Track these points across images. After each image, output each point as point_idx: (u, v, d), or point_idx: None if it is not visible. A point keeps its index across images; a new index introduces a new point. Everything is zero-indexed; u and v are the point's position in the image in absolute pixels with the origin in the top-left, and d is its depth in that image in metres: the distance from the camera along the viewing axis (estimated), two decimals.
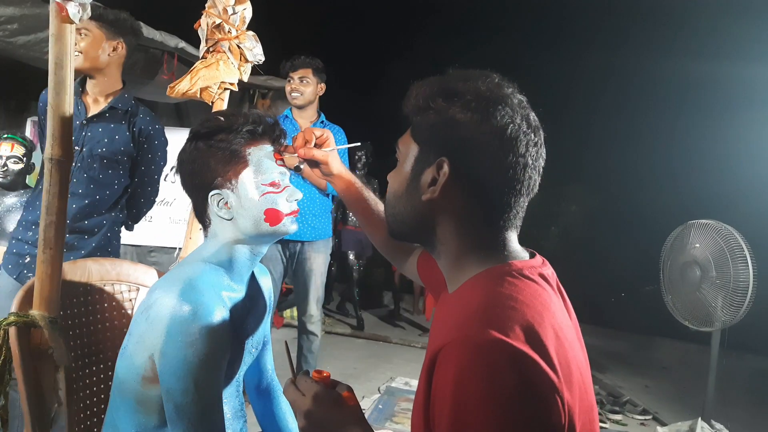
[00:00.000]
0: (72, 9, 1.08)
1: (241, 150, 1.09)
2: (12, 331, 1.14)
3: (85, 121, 2.03)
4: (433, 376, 0.71)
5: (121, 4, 2.18)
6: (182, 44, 3.43)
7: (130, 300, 1.45)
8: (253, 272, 1.22)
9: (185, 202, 3.97)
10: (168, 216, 4.13)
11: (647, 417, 3.54)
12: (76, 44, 1.96)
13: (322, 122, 3.03)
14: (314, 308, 3.01)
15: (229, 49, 1.62)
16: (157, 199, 2.32)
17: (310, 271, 2.97)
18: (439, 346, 0.71)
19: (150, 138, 2.13)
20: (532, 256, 0.88)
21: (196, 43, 1.67)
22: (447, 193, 0.82)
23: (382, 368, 4.08)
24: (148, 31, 3.13)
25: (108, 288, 1.42)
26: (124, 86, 2.13)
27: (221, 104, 1.66)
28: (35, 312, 1.17)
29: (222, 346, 1.01)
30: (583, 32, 5.93)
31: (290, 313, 5.08)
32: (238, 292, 1.14)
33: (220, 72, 1.61)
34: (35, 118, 4.40)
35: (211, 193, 1.10)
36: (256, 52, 1.66)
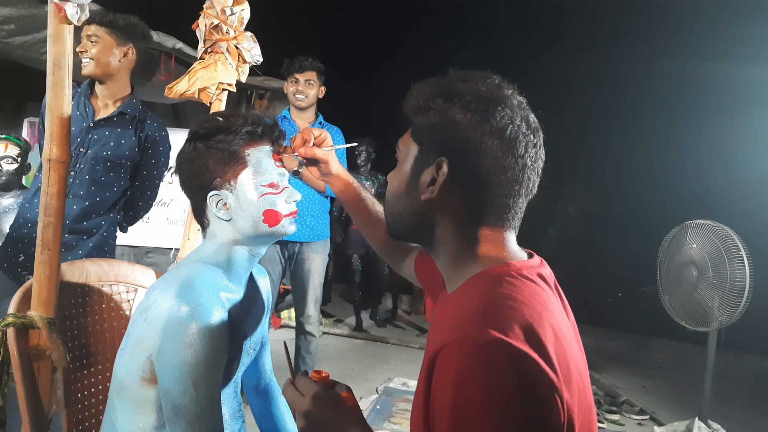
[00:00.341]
0: (70, 10, 1.09)
1: (240, 151, 1.09)
2: (10, 332, 1.14)
3: (92, 124, 2.04)
4: (432, 376, 0.71)
5: (120, 4, 2.18)
6: (179, 45, 3.42)
7: (128, 301, 1.45)
8: (251, 273, 1.22)
9: (183, 203, 3.98)
10: (165, 217, 4.13)
11: (644, 417, 3.54)
12: (86, 51, 1.99)
13: (320, 123, 3.03)
14: (312, 309, 3.02)
15: (227, 49, 1.62)
16: (155, 200, 2.33)
17: (309, 272, 2.97)
18: (438, 346, 0.71)
19: (156, 144, 2.15)
20: (530, 256, 0.89)
21: (193, 43, 1.67)
22: (446, 193, 0.83)
23: (380, 369, 4.08)
24: None
25: (106, 289, 1.42)
26: (132, 91, 2.15)
27: (219, 105, 1.66)
28: (33, 313, 1.17)
29: (220, 347, 1.01)
30: (580, 33, 5.95)
31: (288, 314, 5.07)
32: (237, 293, 1.13)
33: (218, 73, 1.61)
34: (33, 119, 4.40)
35: (209, 194, 1.10)
36: (254, 53, 1.66)
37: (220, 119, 1.11)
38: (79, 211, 2.00)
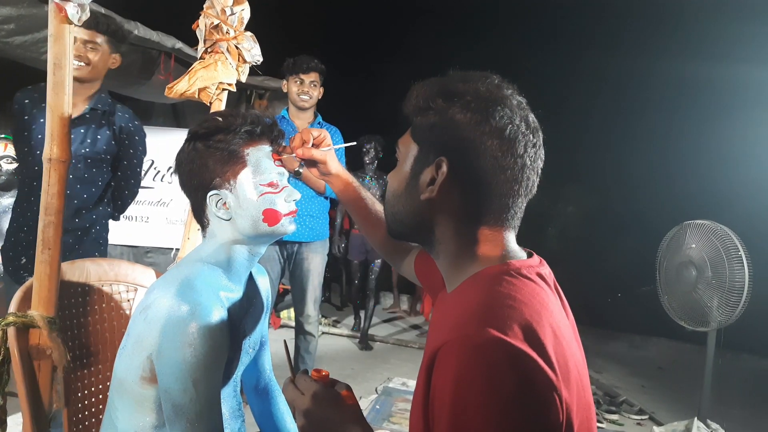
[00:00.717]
0: (71, 9, 1.09)
1: (240, 150, 1.10)
2: (11, 331, 1.15)
3: None
4: (432, 375, 0.71)
5: (119, 4, 2.19)
6: (179, 45, 3.42)
7: (128, 300, 1.45)
8: (250, 272, 1.22)
9: (182, 203, 3.98)
10: (165, 217, 4.13)
11: (644, 417, 3.55)
12: (81, 56, 2.01)
13: (319, 123, 3.03)
14: (312, 309, 3.02)
15: (227, 49, 1.62)
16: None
17: (308, 271, 2.98)
18: (437, 345, 0.71)
19: (131, 134, 2.19)
20: (529, 255, 0.89)
21: (192, 43, 1.67)
22: (445, 192, 0.83)
23: (379, 369, 4.08)
24: (144, 32, 3.13)
25: (106, 288, 1.42)
26: (100, 86, 2.17)
27: (219, 105, 1.67)
28: (34, 312, 1.17)
29: (220, 346, 1.01)
30: (580, 33, 5.95)
31: (287, 314, 5.08)
32: (236, 293, 1.14)
33: (218, 73, 1.61)
34: None
35: (209, 194, 1.10)
36: (254, 52, 1.66)
37: (220, 119, 1.11)
38: (70, 210, 2.03)
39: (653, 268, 3.49)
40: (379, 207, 1.30)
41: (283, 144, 1.19)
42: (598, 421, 3.35)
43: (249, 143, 1.11)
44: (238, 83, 1.71)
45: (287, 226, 1.14)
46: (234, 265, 1.13)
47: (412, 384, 3.69)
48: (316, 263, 2.99)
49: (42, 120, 2.05)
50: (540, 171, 0.85)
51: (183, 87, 1.62)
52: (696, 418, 3.10)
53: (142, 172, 2.34)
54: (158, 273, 1.49)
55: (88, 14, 1.13)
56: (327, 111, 3.13)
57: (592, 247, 6.33)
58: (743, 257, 2.94)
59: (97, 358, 1.37)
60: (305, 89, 2.90)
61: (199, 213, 1.14)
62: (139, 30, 3.06)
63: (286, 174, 1.16)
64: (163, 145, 4.14)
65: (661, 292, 3.44)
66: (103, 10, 2.49)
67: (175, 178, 1.15)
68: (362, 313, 4.86)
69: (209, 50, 1.63)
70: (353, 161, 4.57)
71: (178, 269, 1.08)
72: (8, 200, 3.04)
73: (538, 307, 0.76)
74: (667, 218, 3.62)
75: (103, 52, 2.06)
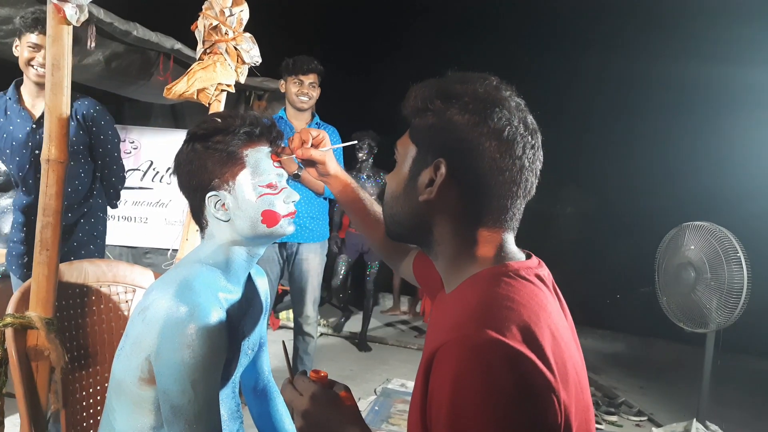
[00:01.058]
0: (69, 10, 1.09)
1: (239, 151, 1.10)
2: (9, 332, 1.14)
3: (35, 125, 2.07)
4: (430, 376, 0.71)
5: (118, 5, 2.19)
6: (178, 45, 3.42)
7: (127, 301, 1.45)
8: (249, 273, 1.22)
9: (181, 204, 3.98)
10: (164, 218, 4.13)
11: (642, 418, 3.55)
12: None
13: (317, 123, 3.03)
14: (311, 310, 3.02)
15: (226, 50, 1.62)
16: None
17: (307, 272, 2.97)
18: (436, 346, 0.71)
19: (95, 120, 2.19)
20: (528, 257, 0.89)
21: (191, 44, 1.67)
22: (443, 194, 0.83)
23: (378, 370, 4.08)
24: (143, 32, 3.12)
25: (104, 289, 1.42)
26: None
27: (218, 106, 1.67)
28: (32, 313, 1.17)
29: (218, 348, 1.01)
30: (580, 35, 5.95)
31: (286, 315, 5.07)
32: (235, 294, 1.14)
33: (217, 73, 1.61)
34: None
35: (208, 195, 1.10)
36: (253, 53, 1.66)
37: (219, 120, 1.11)
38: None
39: (652, 269, 3.49)
40: (377, 208, 1.30)
41: (282, 145, 1.19)
42: (597, 423, 3.35)
43: (248, 144, 1.11)
44: (237, 84, 1.71)
45: (286, 228, 1.14)
46: (233, 266, 1.13)
47: (411, 385, 3.69)
48: (315, 264, 2.99)
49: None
50: (539, 172, 0.85)
51: (182, 88, 1.62)
52: (695, 420, 3.10)
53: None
54: (157, 274, 1.49)
55: (87, 15, 1.13)
56: (325, 111, 3.12)
57: (590, 248, 6.33)
58: (742, 259, 2.94)
59: (95, 359, 1.37)
60: (304, 90, 2.89)
61: (198, 214, 1.14)
62: (138, 31, 3.06)
63: (285, 175, 1.16)
64: (162, 146, 4.14)
65: (660, 293, 3.44)
66: (102, 11, 2.49)
67: (174, 179, 1.15)
68: (347, 314, 4.87)
69: (208, 51, 1.63)
70: (348, 159, 4.50)
71: (176, 270, 1.08)
72: (8, 201, 3.03)
73: (537, 308, 0.76)
74: (666, 219, 3.62)
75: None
